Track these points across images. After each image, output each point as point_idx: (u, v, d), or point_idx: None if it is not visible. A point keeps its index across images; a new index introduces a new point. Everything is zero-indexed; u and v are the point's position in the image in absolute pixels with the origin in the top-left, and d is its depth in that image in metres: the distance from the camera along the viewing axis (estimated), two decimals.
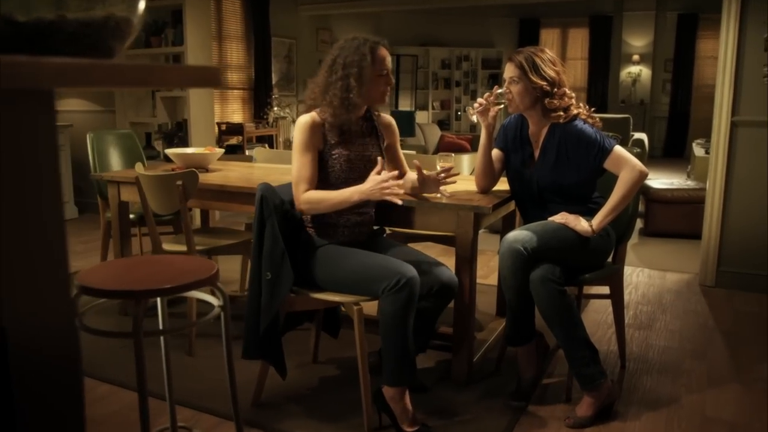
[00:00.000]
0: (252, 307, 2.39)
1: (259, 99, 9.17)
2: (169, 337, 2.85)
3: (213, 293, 1.73)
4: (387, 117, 2.64)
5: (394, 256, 2.38)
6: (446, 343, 2.86)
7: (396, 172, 2.30)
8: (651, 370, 2.88)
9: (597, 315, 3.53)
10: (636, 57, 12.27)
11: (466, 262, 2.56)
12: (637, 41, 12.25)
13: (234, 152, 8.11)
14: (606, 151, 2.47)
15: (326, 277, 2.36)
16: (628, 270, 4.45)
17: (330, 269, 2.36)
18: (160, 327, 1.83)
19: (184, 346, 3.04)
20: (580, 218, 2.47)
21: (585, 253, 2.49)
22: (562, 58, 12.99)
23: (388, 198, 2.24)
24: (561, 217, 2.48)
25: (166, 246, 3.16)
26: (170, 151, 3.50)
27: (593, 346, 2.41)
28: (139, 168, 3.11)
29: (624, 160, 2.46)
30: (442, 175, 2.51)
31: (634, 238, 5.40)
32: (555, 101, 2.50)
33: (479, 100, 2.61)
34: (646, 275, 4.37)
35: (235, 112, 9.07)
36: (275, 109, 9.31)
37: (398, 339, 2.21)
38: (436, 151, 8.56)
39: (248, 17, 9.05)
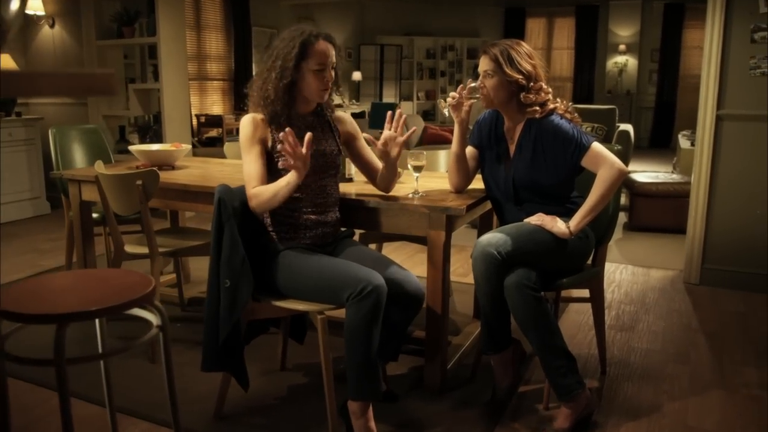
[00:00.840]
0: (210, 316, 2.25)
1: (239, 90, 8.96)
2: (124, 345, 2.71)
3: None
4: (340, 113, 2.53)
5: (361, 261, 2.26)
6: (420, 348, 2.74)
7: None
8: (632, 375, 2.77)
9: (578, 316, 3.42)
10: (622, 47, 12.16)
11: (439, 266, 2.44)
12: (624, 31, 12.15)
13: (213, 145, 7.97)
14: (583, 148, 2.35)
15: (288, 284, 2.24)
16: (611, 267, 4.35)
17: (292, 275, 2.23)
18: (100, 349, 1.69)
19: (147, 351, 2.90)
20: (557, 219, 2.35)
21: (562, 256, 2.37)
22: (548, 47, 12.87)
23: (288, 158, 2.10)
24: (537, 219, 2.36)
25: (128, 248, 3.02)
26: (134, 148, 3.35)
27: (571, 355, 2.30)
28: (98, 166, 2.96)
29: (602, 157, 2.34)
30: (390, 126, 2.38)
31: (618, 233, 5.31)
32: (531, 96, 2.38)
33: (452, 93, 2.49)
34: (630, 272, 4.27)
35: (215, 104, 8.89)
36: None
37: (361, 349, 2.08)
38: (419, 143, 8.42)
39: (228, 7, 8.86)
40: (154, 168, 2.79)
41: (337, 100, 10.27)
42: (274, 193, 2.19)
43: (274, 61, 2.28)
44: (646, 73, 12.26)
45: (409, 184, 2.66)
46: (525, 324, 2.27)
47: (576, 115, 2.48)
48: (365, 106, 11.75)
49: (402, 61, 12.42)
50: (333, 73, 2.33)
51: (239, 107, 8.96)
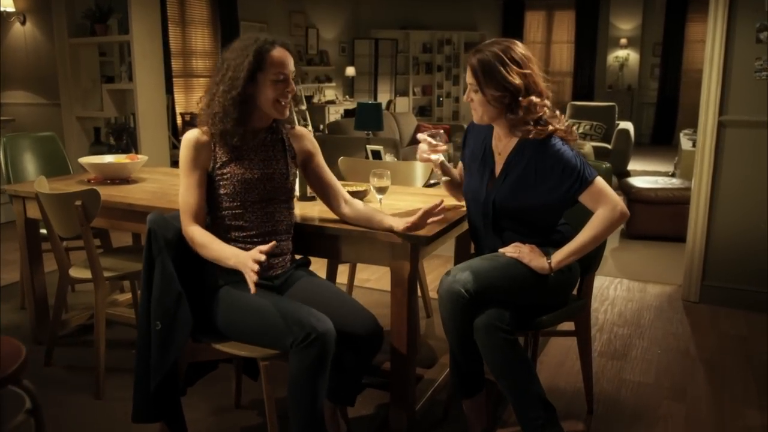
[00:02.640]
0: (141, 361, 2.00)
1: None
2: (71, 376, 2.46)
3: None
4: (299, 129, 2.24)
5: (311, 299, 2.01)
6: (387, 381, 2.47)
7: (264, 249, 1.85)
8: (622, 415, 2.51)
9: (566, 341, 3.14)
10: (624, 41, 11.83)
11: (403, 302, 2.17)
12: (625, 24, 11.81)
13: None
14: (585, 183, 2.04)
15: (228, 325, 1.98)
16: (605, 282, 4.09)
17: (232, 316, 1.97)
18: None
19: (91, 385, 2.66)
20: (536, 251, 2.08)
21: (541, 292, 2.11)
22: (547, 41, 12.53)
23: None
24: (513, 249, 2.09)
25: (73, 272, 2.78)
26: (84, 161, 3.09)
27: (549, 405, 2.03)
28: (38, 184, 2.71)
29: (604, 196, 2.04)
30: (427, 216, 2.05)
31: (614, 242, 5.05)
32: (515, 116, 2.06)
33: (421, 146, 2.22)
34: (625, 288, 4.00)
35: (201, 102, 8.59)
36: None
37: (305, 402, 1.84)
38: (410, 143, 8.14)
39: (214, 0, 8.57)
40: (95, 188, 2.52)
41: (329, 95, 9.98)
42: (215, 258, 1.97)
43: (224, 74, 2.01)
44: (648, 67, 11.94)
45: (373, 204, 2.39)
46: (497, 370, 2.01)
47: (576, 135, 2.18)
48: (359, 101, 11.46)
49: (397, 55, 12.11)
50: (293, 86, 2.07)
51: None
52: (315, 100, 10.77)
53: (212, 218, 2.09)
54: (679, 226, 4.41)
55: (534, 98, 2.07)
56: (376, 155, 5.80)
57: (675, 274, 4.11)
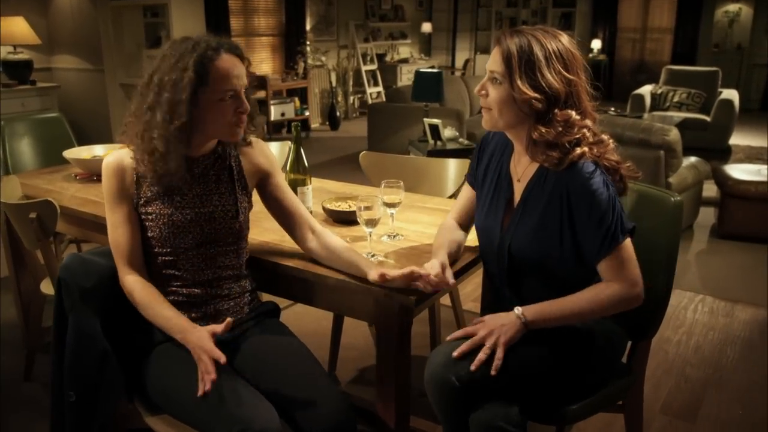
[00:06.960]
0: None
1: (291, 46, 8.30)
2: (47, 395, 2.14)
3: None
4: (253, 141, 1.76)
5: (267, 372, 1.58)
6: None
7: (219, 330, 1.50)
8: None
9: None
10: None
11: (390, 369, 1.69)
12: None
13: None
14: (614, 243, 1.48)
15: (160, 395, 1.58)
16: (683, 299, 3.44)
17: (164, 385, 1.57)
18: None
19: None
20: (497, 320, 1.54)
21: (566, 377, 1.58)
22: None
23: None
24: (468, 343, 1.54)
25: (45, 286, 2.47)
26: (69, 154, 2.74)
27: None
28: (6, 185, 2.37)
29: (626, 268, 1.49)
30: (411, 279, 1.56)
31: (701, 242, 4.34)
32: (548, 130, 1.50)
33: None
34: (707, 309, 3.35)
35: (264, 62, 8.24)
36: (310, 57, 8.43)
37: None
38: (480, 112, 7.48)
39: None
40: (50, 199, 2.15)
41: (403, 53, 9.35)
42: (158, 324, 1.58)
43: (158, 95, 1.53)
44: (763, 24, 10.58)
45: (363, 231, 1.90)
46: None
47: (629, 164, 1.58)
48: (435, 61, 10.81)
49: (479, 10, 11.30)
50: (247, 103, 1.59)
51: (290, 65, 8.29)
52: (387, 58, 10.21)
53: (146, 260, 1.66)
54: None
55: (574, 114, 1.51)
56: (434, 130, 5.25)
57: None
